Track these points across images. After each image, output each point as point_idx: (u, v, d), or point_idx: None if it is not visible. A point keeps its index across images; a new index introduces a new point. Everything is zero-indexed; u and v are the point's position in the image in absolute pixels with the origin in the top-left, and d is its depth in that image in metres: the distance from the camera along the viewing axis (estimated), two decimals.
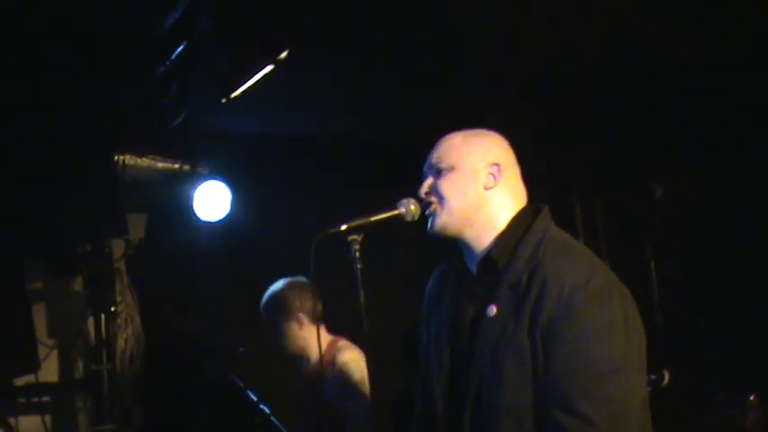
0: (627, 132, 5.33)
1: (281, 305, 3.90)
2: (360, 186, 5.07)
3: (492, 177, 2.34)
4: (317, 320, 3.85)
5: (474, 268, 2.37)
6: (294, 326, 3.88)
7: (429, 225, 2.39)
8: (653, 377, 3.31)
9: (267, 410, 3.95)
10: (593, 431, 2.05)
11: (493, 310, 2.23)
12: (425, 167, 2.43)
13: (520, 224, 2.33)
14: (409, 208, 2.43)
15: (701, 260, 5.32)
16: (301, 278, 3.91)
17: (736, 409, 4.33)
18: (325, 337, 3.91)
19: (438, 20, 3.63)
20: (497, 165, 2.35)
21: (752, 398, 4.26)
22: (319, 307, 3.89)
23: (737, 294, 5.07)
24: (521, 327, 2.16)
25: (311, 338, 3.87)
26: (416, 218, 2.44)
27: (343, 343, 3.87)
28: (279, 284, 3.95)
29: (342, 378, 3.73)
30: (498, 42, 4.14)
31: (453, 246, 2.42)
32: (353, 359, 3.72)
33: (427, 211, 2.39)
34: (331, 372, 3.79)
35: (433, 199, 2.36)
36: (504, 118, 4.51)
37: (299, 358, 3.99)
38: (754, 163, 4.97)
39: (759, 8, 3.90)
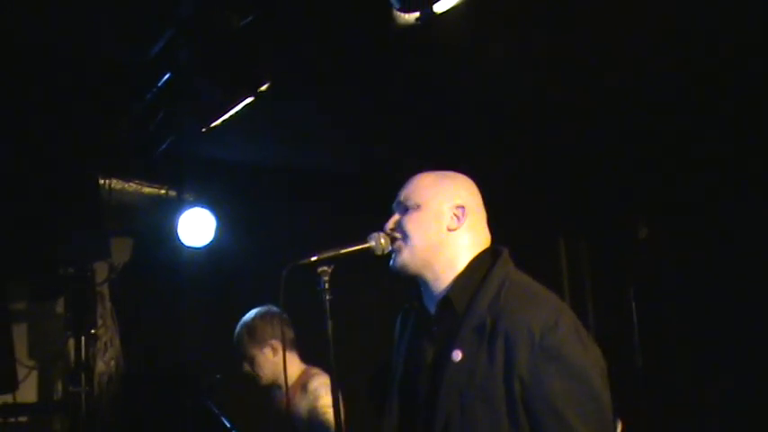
0: (611, 173, 5.37)
1: (253, 333, 3.92)
2: (342, 216, 5.08)
3: (456, 219, 2.38)
4: (288, 348, 3.88)
5: (432, 308, 2.40)
6: (267, 353, 3.90)
7: (391, 261, 2.43)
8: None
9: None
10: None
11: (458, 355, 2.23)
12: (394, 204, 2.47)
13: (479, 267, 2.35)
14: (380, 242, 2.45)
15: (685, 301, 5.33)
16: (273, 307, 3.94)
17: None
18: (298, 366, 3.94)
19: (421, 57, 3.67)
20: (462, 207, 2.39)
21: None
22: (291, 335, 3.92)
23: (720, 335, 5.06)
24: (493, 374, 2.17)
25: (283, 366, 3.89)
26: (386, 252, 2.45)
27: (315, 371, 3.89)
28: (251, 314, 3.98)
29: (313, 403, 3.75)
30: (484, 81, 4.18)
31: (413, 284, 2.46)
32: (325, 384, 3.69)
33: (391, 247, 2.42)
34: (303, 397, 3.81)
35: (398, 235, 2.41)
36: (488, 158, 4.58)
37: (272, 386, 3.99)
38: (737, 204, 4.99)
39: (740, 55, 3.97)
